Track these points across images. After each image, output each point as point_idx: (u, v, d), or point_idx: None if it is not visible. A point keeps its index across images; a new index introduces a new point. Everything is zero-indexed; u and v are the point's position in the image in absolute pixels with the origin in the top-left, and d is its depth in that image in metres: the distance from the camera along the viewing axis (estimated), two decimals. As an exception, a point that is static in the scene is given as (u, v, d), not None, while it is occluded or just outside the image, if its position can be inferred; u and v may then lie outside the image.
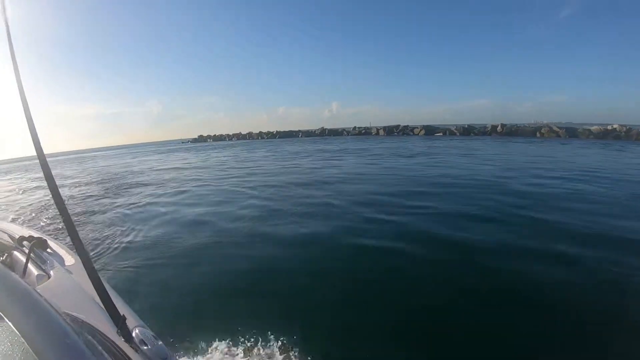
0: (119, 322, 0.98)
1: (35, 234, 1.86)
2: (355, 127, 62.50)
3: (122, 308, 1.10)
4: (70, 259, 1.65)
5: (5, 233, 1.95)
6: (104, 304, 0.98)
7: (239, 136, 71.50)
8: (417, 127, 48.37)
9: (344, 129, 65.50)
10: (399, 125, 52.15)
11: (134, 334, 1.01)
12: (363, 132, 57.74)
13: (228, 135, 74.15)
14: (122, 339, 0.97)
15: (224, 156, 25.16)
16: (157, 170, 17.89)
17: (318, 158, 18.82)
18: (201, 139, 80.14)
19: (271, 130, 68.78)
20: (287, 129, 68.77)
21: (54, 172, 1.09)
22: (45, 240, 1.70)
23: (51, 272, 1.41)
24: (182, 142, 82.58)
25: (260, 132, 69.69)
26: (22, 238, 1.73)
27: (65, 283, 1.31)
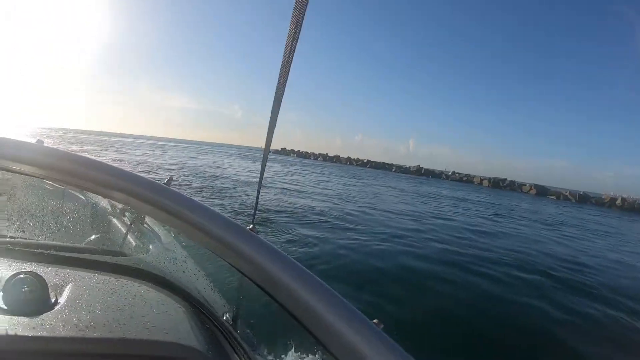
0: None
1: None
2: (454, 172, 58.48)
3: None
4: (167, 236, 1.73)
5: (109, 201, 2.01)
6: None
7: (325, 157, 66.79)
8: (526, 185, 47.60)
9: (442, 172, 60.78)
10: (505, 179, 51.29)
11: (224, 318, 1.09)
12: (464, 179, 53.71)
13: (313, 154, 70.35)
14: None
15: (348, 183, 22.54)
16: (323, 195, 14.07)
17: (469, 211, 15.82)
18: (284, 152, 77.95)
19: (361, 158, 63.03)
20: (362, 158, 64.02)
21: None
22: (143, 216, 1.70)
23: (150, 246, 1.45)
24: (262, 151, 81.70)
25: (349, 157, 64.05)
26: (125, 209, 1.79)
27: (163, 258, 1.35)
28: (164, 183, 0.67)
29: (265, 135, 0.82)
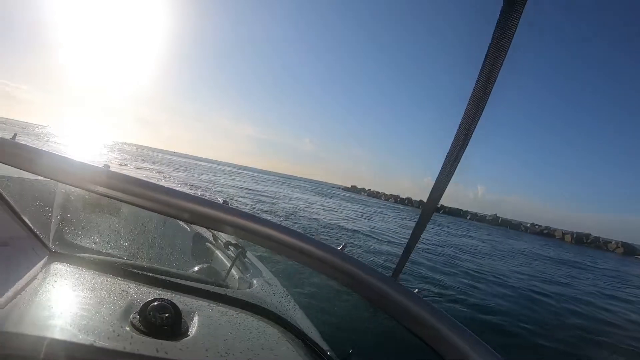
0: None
1: (233, 240, 1.94)
2: (534, 224, 54.09)
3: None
4: (266, 271, 1.73)
5: (210, 232, 2.02)
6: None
7: (396, 199, 66.04)
8: (613, 242, 41.82)
9: (520, 223, 56.31)
10: (589, 235, 46.10)
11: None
12: (545, 232, 49.23)
13: (384, 194, 69.87)
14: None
15: (439, 232, 20.79)
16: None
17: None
18: (354, 189, 78.45)
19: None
20: (412, 198, 62.65)
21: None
22: (246, 250, 1.73)
23: (254, 281, 1.46)
24: (333, 187, 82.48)
25: (421, 200, 62.01)
26: (229, 243, 1.81)
27: (270, 293, 1.37)
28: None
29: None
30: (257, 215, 0.58)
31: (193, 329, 0.84)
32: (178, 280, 1.13)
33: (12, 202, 0.99)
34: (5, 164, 0.63)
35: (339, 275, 0.56)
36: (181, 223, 2.08)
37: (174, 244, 1.91)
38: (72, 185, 0.63)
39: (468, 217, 55.03)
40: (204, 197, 0.58)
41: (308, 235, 0.57)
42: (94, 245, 1.58)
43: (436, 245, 13.74)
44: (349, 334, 3.43)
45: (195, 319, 0.89)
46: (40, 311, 0.79)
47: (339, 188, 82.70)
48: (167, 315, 0.80)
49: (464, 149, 0.58)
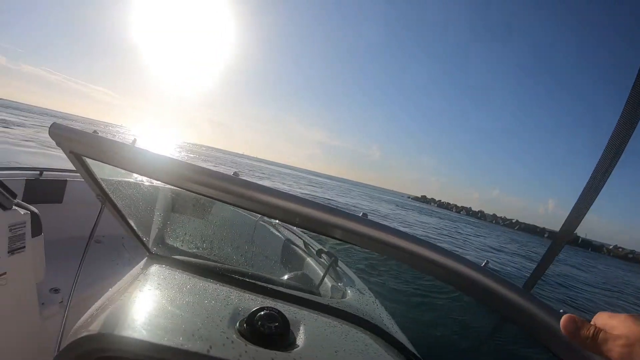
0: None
1: (326, 248, 1.89)
2: (617, 246, 48.45)
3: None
4: (358, 281, 1.67)
5: (301, 239, 2.04)
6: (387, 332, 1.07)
7: (468, 211, 65.50)
8: None
9: (602, 244, 51.31)
10: None
11: None
12: (630, 257, 43.08)
13: (456, 206, 69.67)
14: None
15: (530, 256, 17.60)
16: None
17: None
18: (424, 199, 78.89)
19: (508, 217, 58.81)
20: (509, 217, 58.51)
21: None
22: (337, 259, 1.71)
23: (347, 291, 1.43)
24: (401, 197, 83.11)
25: (495, 215, 61.08)
26: (322, 251, 1.83)
27: (365, 303, 1.33)
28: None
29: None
30: (380, 222, 0.54)
31: (301, 340, 0.82)
32: (279, 288, 1.11)
33: (119, 205, 1.01)
34: (114, 165, 0.65)
35: (475, 290, 0.51)
36: (272, 229, 2.07)
37: (266, 250, 1.89)
38: (183, 188, 0.62)
39: (546, 235, 51.43)
40: (314, 200, 0.55)
41: (440, 245, 0.53)
42: (192, 249, 1.55)
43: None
44: (447, 346, 3.16)
45: (302, 329, 0.87)
46: (143, 313, 0.78)
47: (408, 197, 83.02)
48: (276, 324, 0.79)
49: (610, 171, 0.54)
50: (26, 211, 1.35)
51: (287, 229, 2.20)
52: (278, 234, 2.10)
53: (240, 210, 2.02)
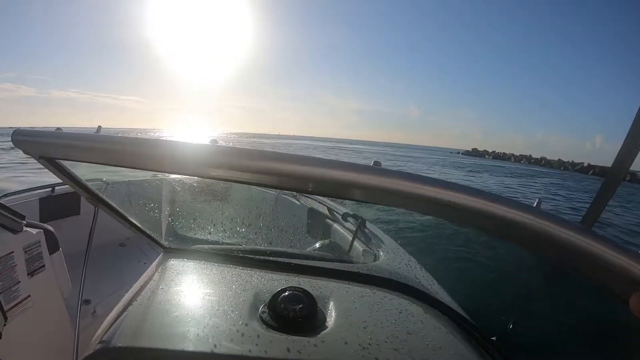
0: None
1: (351, 211, 1.78)
2: None
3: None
4: (389, 240, 1.57)
5: (325, 205, 1.92)
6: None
7: (529, 159, 60.63)
8: None
9: None
10: None
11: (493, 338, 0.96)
12: None
13: (513, 155, 64.28)
14: None
15: None
16: None
17: None
18: (475, 153, 74.07)
19: (579, 162, 52.88)
20: (547, 157, 54.54)
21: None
22: (365, 220, 1.62)
23: (380, 252, 1.37)
24: (450, 153, 78.36)
25: (560, 160, 55.46)
26: (347, 214, 1.73)
27: (399, 265, 1.24)
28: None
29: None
30: (407, 171, 0.42)
31: (330, 318, 0.76)
32: (304, 262, 1.04)
33: (117, 207, 0.96)
34: (92, 162, 0.54)
35: (524, 236, 0.42)
36: (293, 200, 1.96)
37: (289, 222, 1.79)
38: (181, 174, 0.56)
39: (590, 173, 46.93)
40: (330, 159, 0.42)
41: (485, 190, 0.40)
42: (208, 236, 1.50)
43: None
44: (499, 308, 2.67)
45: (331, 305, 0.81)
46: (161, 316, 0.75)
47: (458, 153, 78.21)
48: (300, 306, 0.73)
49: None
50: (39, 230, 1.32)
51: (309, 197, 2.01)
52: (300, 204, 1.96)
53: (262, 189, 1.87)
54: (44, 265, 1.32)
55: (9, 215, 1.21)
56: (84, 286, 0.99)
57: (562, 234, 0.38)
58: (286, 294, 0.76)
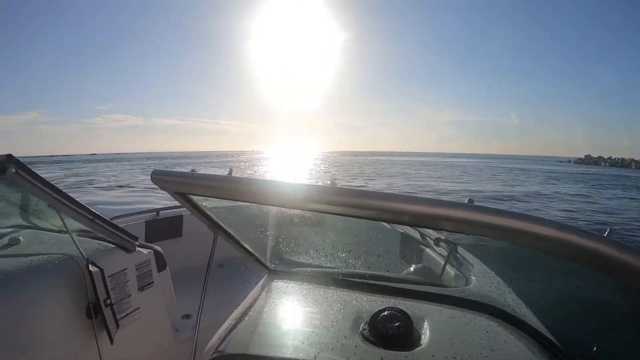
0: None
1: (443, 236, 1.82)
2: None
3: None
4: (479, 264, 1.59)
5: (417, 230, 1.99)
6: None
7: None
8: None
9: None
10: None
11: None
12: None
13: (634, 160, 60.40)
14: None
15: None
16: None
17: None
18: (589, 160, 71.63)
19: None
20: None
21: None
22: (457, 245, 1.69)
23: (471, 277, 1.40)
24: (559, 162, 75.56)
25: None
26: (439, 239, 1.78)
27: (489, 288, 1.29)
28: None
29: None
30: (487, 206, 0.49)
31: (425, 336, 0.82)
32: (399, 285, 1.11)
33: (230, 230, 1.07)
34: (223, 198, 0.71)
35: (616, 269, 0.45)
36: (386, 225, 2.06)
37: (383, 247, 1.90)
38: (286, 207, 0.67)
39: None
40: (418, 195, 0.52)
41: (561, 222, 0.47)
42: (308, 260, 1.61)
43: None
44: (585, 329, 2.00)
45: (425, 325, 0.87)
46: (269, 329, 0.83)
47: (568, 161, 73.54)
48: (397, 324, 0.80)
49: None
50: (149, 250, 1.51)
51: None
52: (391, 228, 2.09)
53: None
54: (152, 282, 1.49)
55: (125, 237, 1.37)
56: (203, 302, 1.06)
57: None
58: (385, 313, 0.82)
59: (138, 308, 1.41)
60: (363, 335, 0.82)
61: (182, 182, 0.69)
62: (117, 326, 1.28)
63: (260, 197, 0.63)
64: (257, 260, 1.26)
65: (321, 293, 1.07)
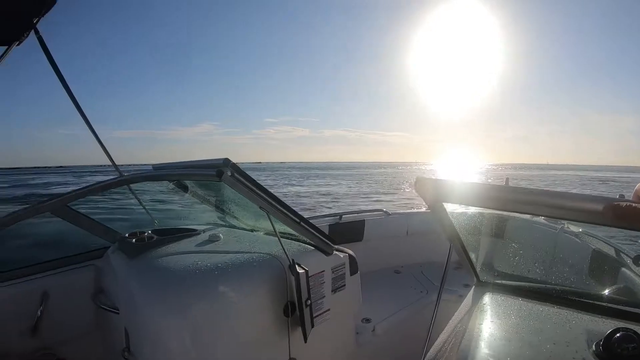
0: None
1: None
2: None
3: None
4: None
5: (612, 247, 1.90)
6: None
7: None
8: None
9: None
10: None
11: None
12: None
13: None
14: None
15: None
16: None
17: None
18: None
19: None
20: None
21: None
22: None
23: None
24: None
25: None
26: (639, 257, 1.66)
27: None
28: None
29: None
30: None
31: None
32: (614, 306, 1.03)
33: (463, 240, 1.07)
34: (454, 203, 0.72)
35: None
36: (575, 238, 1.97)
37: (572, 262, 1.81)
38: (507, 210, 0.66)
39: None
40: None
41: None
42: (513, 272, 1.51)
43: None
44: None
45: None
46: (491, 344, 0.80)
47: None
48: (633, 345, 0.76)
49: None
50: (345, 254, 1.53)
51: (593, 237, 2.03)
52: (582, 242, 1.96)
53: (544, 225, 2.05)
54: (344, 285, 1.51)
55: (325, 240, 1.40)
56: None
57: None
58: (619, 334, 0.78)
59: (329, 309, 1.44)
60: (597, 355, 0.79)
61: (441, 193, 0.72)
62: (312, 325, 1.32)
63: (543, 209, 0.59)
64: (473, 268, 1.23)
65: (537, 309, 1.03)
